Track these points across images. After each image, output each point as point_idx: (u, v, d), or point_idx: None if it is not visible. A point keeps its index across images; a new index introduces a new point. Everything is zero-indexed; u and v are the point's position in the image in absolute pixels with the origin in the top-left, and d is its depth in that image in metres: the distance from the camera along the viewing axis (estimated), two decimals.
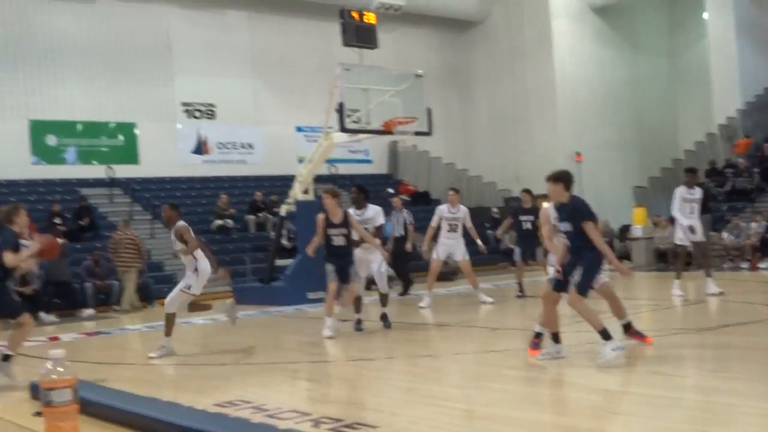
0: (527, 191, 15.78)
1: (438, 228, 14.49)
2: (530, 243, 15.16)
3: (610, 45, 30.50)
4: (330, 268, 11.01)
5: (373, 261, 11.49)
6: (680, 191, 13.32)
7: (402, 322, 12.86)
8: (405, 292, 17.00)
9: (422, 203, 27.69)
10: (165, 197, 23.43)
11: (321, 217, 11.07)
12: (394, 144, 28.98)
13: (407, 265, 16.78)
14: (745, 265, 19.39)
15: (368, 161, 29.39)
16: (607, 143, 29.59)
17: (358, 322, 11.47)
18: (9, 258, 8.10)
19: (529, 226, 15.07)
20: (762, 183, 24.18)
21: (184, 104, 25.59)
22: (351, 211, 11.48)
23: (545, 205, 8.57)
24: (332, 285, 10.98)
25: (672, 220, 22.04)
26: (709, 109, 28.91)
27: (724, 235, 20.57)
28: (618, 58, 30.77)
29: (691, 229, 13.17)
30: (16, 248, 8.19)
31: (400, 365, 8.86)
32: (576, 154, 28.60)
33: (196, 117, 25.84)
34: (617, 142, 29.91)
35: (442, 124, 28.64)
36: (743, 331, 9.63)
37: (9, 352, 8.11)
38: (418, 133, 16.59)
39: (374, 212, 11.71)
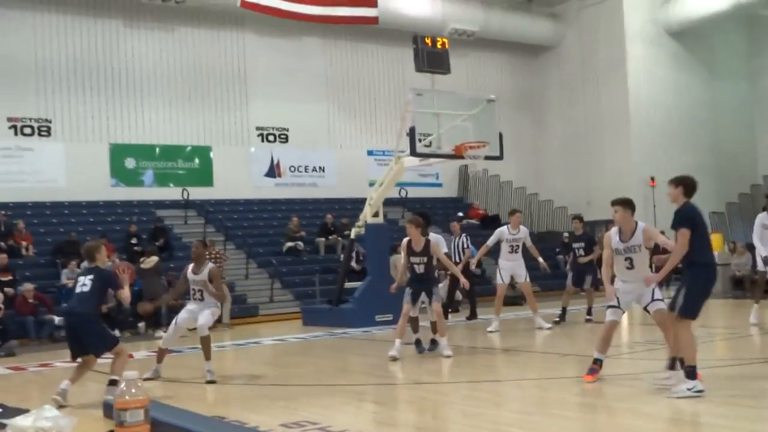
0: (578, 218, 15.88)
1: (493, 250, 14.53)
2: (582, 269, 15.17)
3: (686, 69, 29.95)
4: (408, 290, 11.15)
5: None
6: (761, 218, 12.98)
7: (468, 346, 12.79)
8: (472, 315, 17.10)
9: (492, 227, 27.50)
10: (238, 219, 23.89)
11: (404, 244, 11.22)
12: (464, 168, 28.93)
13: (471, 290, 16.45)
14: None
15: (438, 185, 29.39)
16: (682, 168, 28.46)
17: (417, 342, 11.45)
18: (125, 296, 8.79)
19: (581, 252, 15.16)
20: None
21: (258, 128, 26.01)
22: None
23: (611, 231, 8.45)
24: (406, 306, 11.06)
25: (750, 247, 21.51)
26: None
27: None
28: (695, 82, 30.19)
29: (765, 260, 12.79)
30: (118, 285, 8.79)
31: (464, 389, 8.80)
32: (650, 179, 28.10)
33: (269, 141, 26.22)
34: (693, 167, 28.87)
35: (513, 148, 28.51)
36: None
37: (114, 377, 8.30)
38: (489, 158, 16.53)
39: (435, 241, 11.53)
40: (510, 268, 14.41)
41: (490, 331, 14.07)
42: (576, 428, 6.60)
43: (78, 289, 8.55)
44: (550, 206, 29.35)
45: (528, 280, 14.55)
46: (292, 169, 26.56)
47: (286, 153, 26.39)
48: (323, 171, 27.03)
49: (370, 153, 27.83)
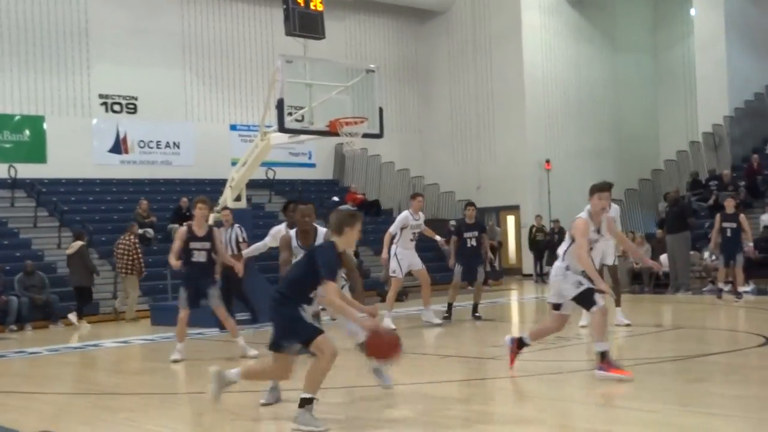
0: (471, 204, 15.75)
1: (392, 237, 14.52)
2: (474, 262, 15.22)
3: (586, 41, 30.94)
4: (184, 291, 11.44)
5: None
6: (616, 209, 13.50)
7: (340, 347, 12.86)
8: (253, 318, 15.65)
9: (372, 213, 27.78)
10: (76, 201, 23.26)
11: (183, 230, 11.32)
12: (340, 147, 29.02)
13: (241, 288, 15.39)
14: (727, 287, 19.72)
15: (311, 165, 29.41)
16: (580, 151, 29.98)
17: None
18: None
19: (474, 243, 15.17)
20: (749, 198, 24.68)
21: (102, 96, 25.36)
22: (282, 228, 11.33)
23: (582, 215, 8.85)
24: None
25: (649, 238, 22.48)
26: (694, 114, 29.46)
27: (705, 254, 20.94)
28: (595, 55, 31.22)
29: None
30: None
31: (335, 397, 8.86)
32: (545, 162, 28.92)
33: (114, 111, 25.62)
34: (592, 150, 30.32)
35: (396, 125, 28.96)
36: (722, 361, 9.80)
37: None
38: (367, 135, 16.62)
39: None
40: (409, 258, 14.54)
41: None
42: None
43: None
44: (436, 191, 29.82)
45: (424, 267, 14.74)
46: (142, 144, 26.04)
47: (135, 126, 25.83)
48: (178, 147, 26.60)
49: (233, 128, 27.57)
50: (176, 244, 11.34)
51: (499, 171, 29.27)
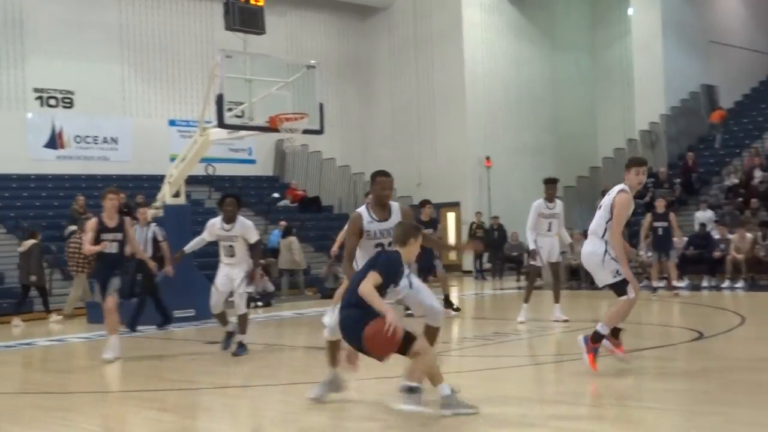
0: (428, 202, 15.91)
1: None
2: (430, 258, 15.25)
3: (527, 40, 31.21)
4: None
5: (236, 278, 11.27)
6: (537, 205, 13.55)
7: (281, 344, 12.84)
8: (164, 322, 15.57)
9: (312, 209, 27.74)
10: (10, 197, 22.86)
11: (94, 222, 11.28)
12: (281, 143, 28.90)
13: (156, 290, 15.36)
14: (662, 283, 20.06)
15: (252, 161, 29.25)
16: (520, 148, 30.24)
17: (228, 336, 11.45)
18: None
19: None
20: (684, 195, 25.13)
21: (37, 90, 24.98)
22: (216, 221, 11.28)
23: (625, 189, 8.57)
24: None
25: (586, 235, 22.76)
26: (631, 112, 29.91)
27: (642, 250, 21.23)
28: (535, 54, 31.51)
29: (533, 254, 13.37)
30: None
31: (275, 394, 8.83)
32: (485, 159, 29.12)
33: (50, 105, 25.24)
34: (532, 147, 30.60)
35: (337, 121, 28.93)
36: (658, 355, 9.96)
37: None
38: (308, 131, 16.58)
39: (243, 228, 11.25)
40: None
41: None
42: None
43: None
44: None
45: None
46: (78, 139, 25.68)
47: (71, 120, 25.45)
48: (116, 142, 26.28)
49: (172, 123, 27.30)
50: (88, 236, 11.28)
51: (439, 168, 29.40)
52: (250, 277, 11.35)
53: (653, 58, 28.88)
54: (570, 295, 18.49)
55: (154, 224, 15.50)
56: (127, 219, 11.91)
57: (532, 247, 13.45)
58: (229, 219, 11.17)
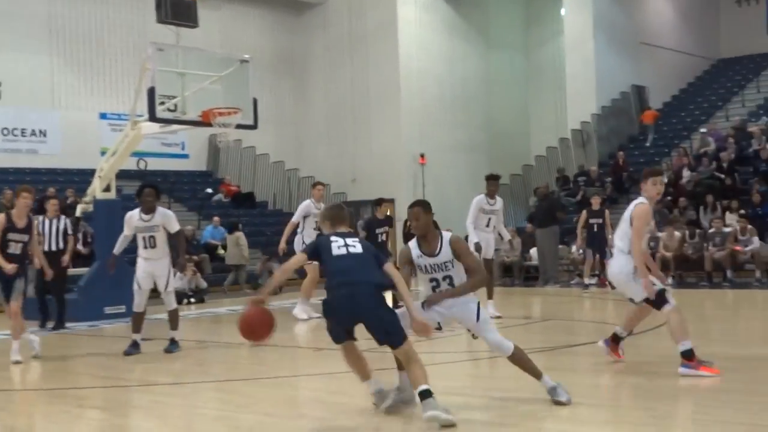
0: (383, 200, 16.29)
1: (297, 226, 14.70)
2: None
3: (461, 37, 31.38)
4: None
5: (159, 275, 11.05)
6: (479, 201, 13.59)
7: (214, 341, 12.74)
8: (60, 324, 14.89)
9: (246, 205, 27.56)
10: None
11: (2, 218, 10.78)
12: (214, 137, 28.65)
13: (64, 286, 15.02)
14: (593, 280, 20.36)
15: (184, 156, 28.93)
16: (454, 145, 30.40)
17: (134, 344, 11.07)
18: None
19: (383, 238, 15.63)
20: (615, 193, 25.53)
21: None
22: (134, 213, 11.04)
23: (644, 201, 8.29)
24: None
25: (519, 232, 23.00)
26: (563, 112, 30.30)
27: (573, 248, 21.56)
28: (470, 52, 31.70)
29: (477, 247, 13.21)
30: None
31: (208, 391, 8.75)
32: (420, 156, 29.21)
33: None
34: (465, 145, 30.79)
35: (271, 117, 28.74)
36: (589, 351, 10.08)
37: None
38: (241, 126, 16.47)
39: (163, 217, 11.07)
40: None
41: (303, 319, 14.28)
42: (324, 428, 6.76)
43: None
44: (312, 183, 29.68)
45: None
46: (5, 132, 25.16)
47: None
48: (44, 135, 25.79)
49: (103, 116, 26.87)
50: None
51: (374, 164, 29.42)
52: (181, 268, 11.41)
53: (585, 59, 29.28)
54: (503, 292, 18.61)
55: (63, 217, 15.16)
56: (35, 221, 11.62)
57: (475, 240, 13.33)
58: (149, 209, 10.96)
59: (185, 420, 7.47)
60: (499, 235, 14.26)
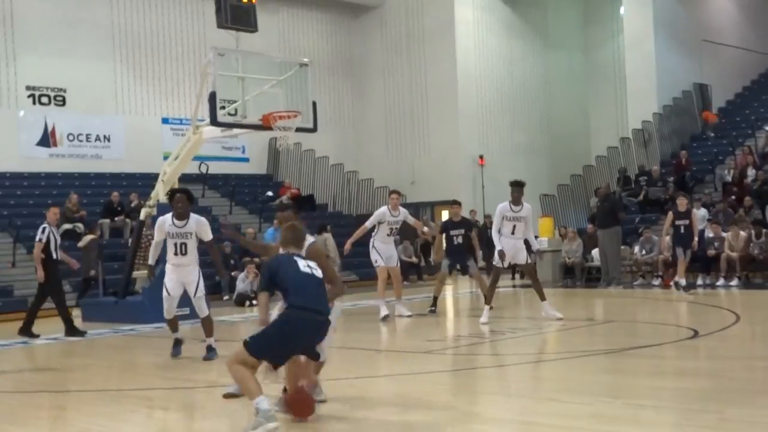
0: (458, 203, 16.29)
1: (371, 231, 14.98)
2: (461, 257, 15.74)
3: (519, 38, 31.25)
4: None
5: (189, 282, 10.94)
6: (501, 208, 13.45)
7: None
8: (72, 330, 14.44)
9: (306, 208, 27.73)
10: (3, 196, 22.83)
11: None
12: (274, 141, 28.90)
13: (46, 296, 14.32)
14: (656, 282, 20.14)
15: (245, 160, 29.22)
16: (513, 147, 30.28)
17: (176, 343, 11.30)
18: None
19: (460, 240, 15.59)
20: (677, 193, 25.15)
21: (29, 88, 24.89)
22: (166, 218, 10.92)
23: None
24: None
25: (581, 233, 22.83)
26: (624, 111, 29.98)
27: (636, 249, 21.32)
28: (528, 52, 31.56)
29: (500, 254, 13.16)
30: None
31: (270, 390, 8.83)
32: (479, 158, 29.15)
33: (42, 103, 25.16)
34: (524, 146, 30.65)
35: (330, 120, 28.97)
36: (652, 354, 10.01)
37: None
38: (301, 129, 16.55)
39: (198, 224, 10.95)
40: (387, 252, 14.99)
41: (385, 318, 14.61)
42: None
43: None
44: (371, 186, 29.85)
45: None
46: (71, 137, 25.62)
47: (64, 118, 25.40)
48: (108, 140, 26.23)
49: (165, 121, 27.26)
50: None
51: (433, 166, 29.41)
52: (223, 274, 11.16)
53: (645, 57, 28.93)
54: (564, 294, 18.50)
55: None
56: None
57: (498, 248, 13.27)
58: (181, 215, 10.82)
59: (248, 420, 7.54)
60: (527, 243, 13.89)
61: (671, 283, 18.11)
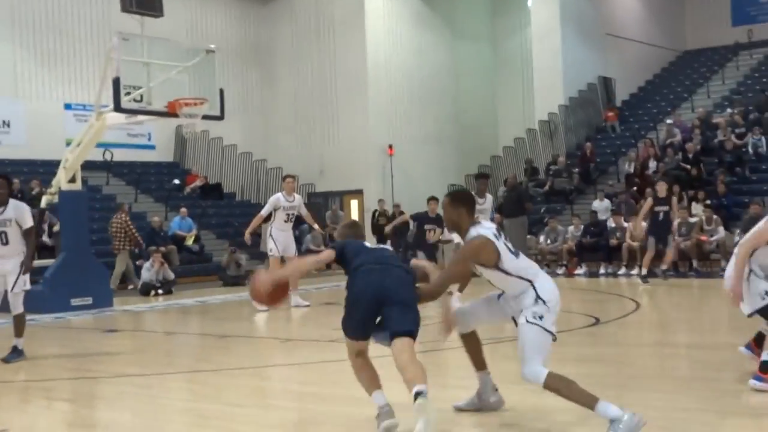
0: (435, 199, 15.24)
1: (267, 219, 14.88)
2: (432, 253, 15.13)
3: (429, 28, 31.42)
4: None
5: (9, 273, 9.92)
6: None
7: (182, 332, 12.73)
8: None
9: (214, 197, 27.49)
10: None
11: None
12: (181, 128, 28.53)
13: None
14: (561, 270, 20.56)
15: (151, 147, 28.75)
16: (422, 137, 30.47)
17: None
18: None
19: (429, 237, 15.01)
20: (582, 184, 25.75)
21: None
22: None
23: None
24: None
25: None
26: (531, 103, 30.44)
27: (541, 238, 21.74)
28: (438, 42, 31.75)
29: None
30: None
31: (175, 382, 8.77)
32: (388, 148, 29.27)
33: None
34: (434, 136, 30.88)
35: (238, 107, 28.72)
36: (557, 341, 10.18)
37: None
38: (207, 117, 16.41)
39: (16, 211, 9.92)
40: (285, 240, 14.82)
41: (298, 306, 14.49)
42: (293, 419, 6.82)
43: None
44: (280, 174, 29.68)
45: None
46: None
47: None
48: (8, 126, 25.51)
49: (67, 107, 26.62)
50: None
51: (342, 155, 29.41)
52: (27, 269, 9.97)
53: (552, 50, 29.41)
54: (471, 284, 18.65)
55: None
56: None
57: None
58: (0, 201, 9.88)
59: (152, 411, 7.48)
60: None
61: (574, 272, 18.46)
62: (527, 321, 5.97)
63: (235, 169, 29.44)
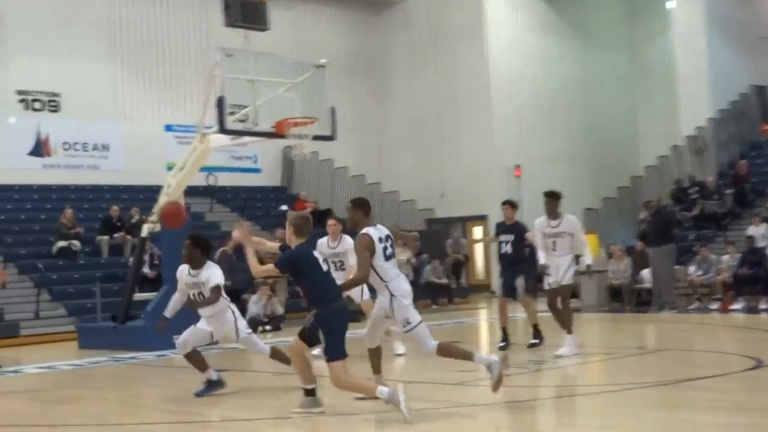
0: (508, 203, 14.79)
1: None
2: (510, 273, 14.01)
3: (558, 36, 31.15)
4: None
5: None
6: (538, 223, 13.06)
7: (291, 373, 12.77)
8: None
9: (323, 223, 27.65)
10: None
11: None
12: (288, 150, 28.92)
13: None
14: (715, 305, 19.95)
15: (256, 170, 29.26)
16: (552, 155, 30.13)
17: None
18: None
19: (508, 249, 13.96)
20: (736, 207, 24.98)
21: (20, 92, 25.04)
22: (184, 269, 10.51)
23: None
24: None
25: (630, 251, 22.69)
26: (675, 116, 29.77)
27: (691, 269, 21.13)
28: (567, 52, 31.44)
29: (541, 267, 12.79)
30: None
31: (288, 428, 8.80)
32: (515, 168, 29.05)
33: (35, 109, 25.30)
34: (565, 154, 30.51)
35: (350, 126, 28.88)
36: (710, 386, 9.89)
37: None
38: (318, 137, 16.56)
39: (209, 273, 10.43)
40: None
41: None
42: None
43: None
44: (395, 199, 29.82)
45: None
46: (66, 146, 25.74)
47: (58, 125, 25.52)
48: (107, 150, 26.32)
49: (168, 128, 27.33)
50: None
51: (464, 177, 29.29)
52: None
53: (697, 56, 28.71)
54: (612, 319, 18.33)
55: None
56: None
57: (541, 262, 12.78)
58: (194, 264, 10.45)
59: None
60: (577, 258, 13.07)
61: (729, 307, 17.91)
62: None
63: (346, 193, 29.60)
